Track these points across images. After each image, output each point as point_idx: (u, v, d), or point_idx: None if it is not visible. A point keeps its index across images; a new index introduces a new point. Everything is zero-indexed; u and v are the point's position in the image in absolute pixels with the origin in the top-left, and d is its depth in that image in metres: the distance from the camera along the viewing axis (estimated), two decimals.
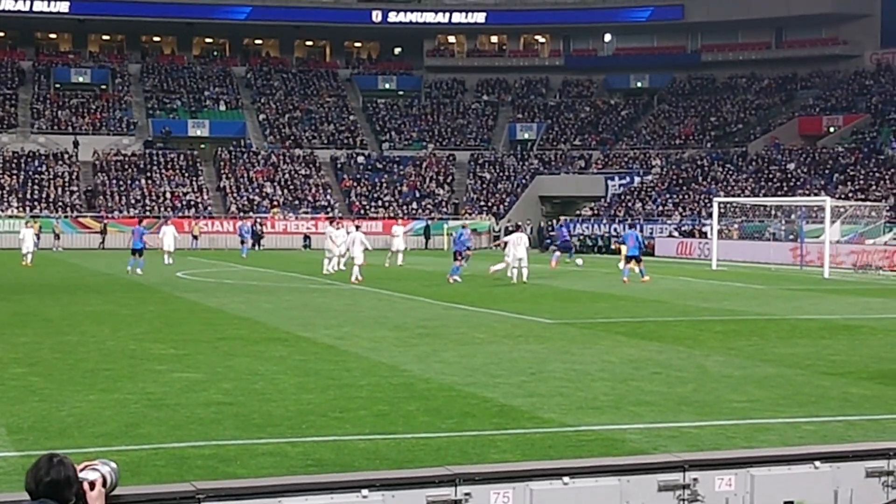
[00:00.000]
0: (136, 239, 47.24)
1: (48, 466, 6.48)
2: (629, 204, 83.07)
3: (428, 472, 8.25)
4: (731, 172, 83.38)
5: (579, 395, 17.33)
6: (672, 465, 9.01)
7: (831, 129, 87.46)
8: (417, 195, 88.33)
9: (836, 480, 9.17)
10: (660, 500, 8.79)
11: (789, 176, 79.38)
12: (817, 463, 9.26)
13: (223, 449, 13.27)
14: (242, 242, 65.49)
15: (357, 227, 47.04)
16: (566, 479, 8.63)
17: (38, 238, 69.85)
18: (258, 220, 77.88)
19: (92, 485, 6.69)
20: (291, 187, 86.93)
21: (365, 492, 8.08)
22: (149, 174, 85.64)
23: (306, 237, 78.14)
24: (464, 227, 46.03)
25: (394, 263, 53.92)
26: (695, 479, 8.87)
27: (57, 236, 73.27)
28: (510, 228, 50.80)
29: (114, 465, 7.01)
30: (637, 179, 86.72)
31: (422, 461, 12.24)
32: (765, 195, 75.00)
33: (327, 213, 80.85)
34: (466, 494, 8.16)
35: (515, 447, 13.56)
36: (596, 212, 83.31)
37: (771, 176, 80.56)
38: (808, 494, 9.15)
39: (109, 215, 77.44)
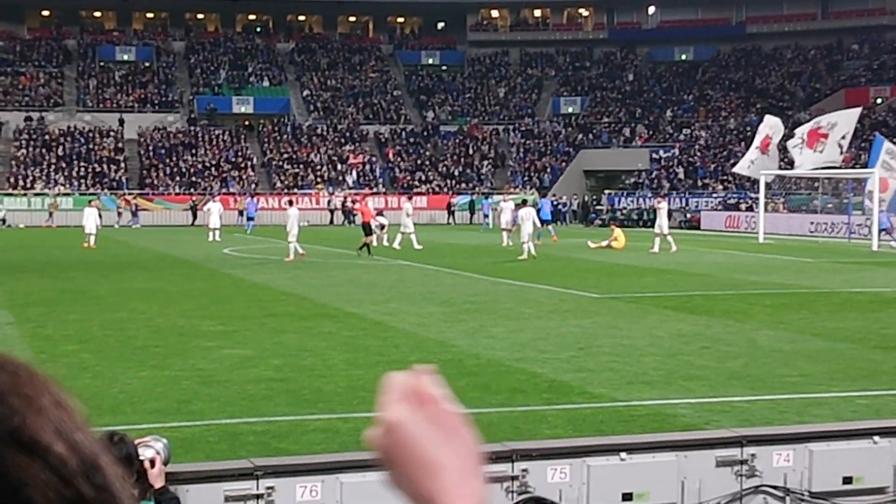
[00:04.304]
0: None
1: (108, 445, 6.48)
2: (672, 176, 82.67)
3: (484, 448, 8.24)
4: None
5: (629, 369, 17.28)
6: (729, 441, 8.98)
7: (878, 101, 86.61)
8: (461, 169, 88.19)
9: None
10: (717, 476, 8.77)
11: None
12: (876, 438, 9.19)
13: (275, 425, 13.32)
14: (250, 219, 65.28)
15: (291, 203, 46.16)
16: (623, 454, 8.62)
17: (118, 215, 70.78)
18: (349, 197, 77.15)
19: (152, 462, 6.72)
20: (335, 162, 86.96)
21: None
22: (194, 151, 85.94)
23: (349, 212, 78.16)
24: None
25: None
26: (752, 455, 8.84)
27: (134, 213, 73.65)
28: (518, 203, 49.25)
29: (165, 441, 7.05)
30: (681, 152, 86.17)
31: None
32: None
33: (371, 188, 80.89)
34: (524, 470, 8.16)
35: (567, 422, 13.53)
36: (638, 183, 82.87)
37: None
38: (867, 469, 9.08)
39: (197, 192, 77.76)
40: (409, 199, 55.45)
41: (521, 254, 41.47)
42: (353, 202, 75.85)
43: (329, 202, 78.99)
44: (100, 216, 69.55)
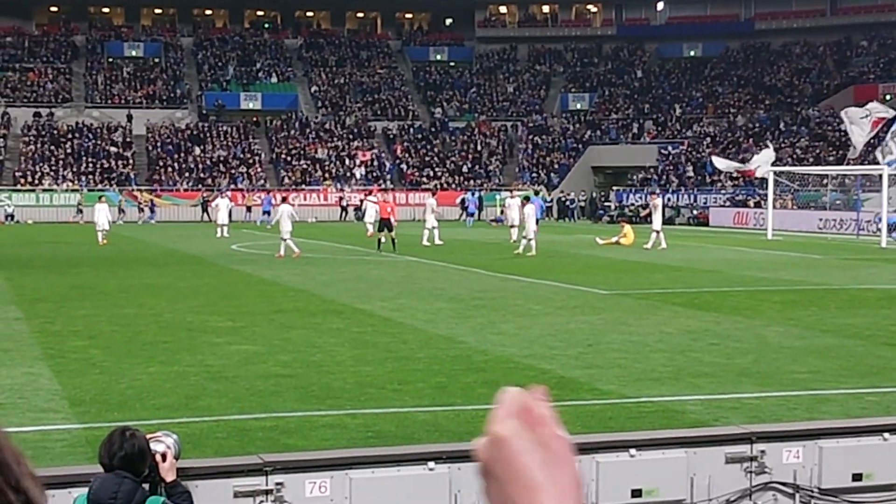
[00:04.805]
0: None
1: (121, 440, 6.50)
2: (681, 173, 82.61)
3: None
4: (784, 141, 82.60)
5: (637, 366, 17.26)
6: (739, 437, 8.96)
7: (887, 97, 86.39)
8: (469, 166, 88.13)
9: None
10: (727, 473, 8.75)
11: (845, 144, 78.47)
12: (886, 435, 9.17)
13: (283, 421, 13.32)
14: (266, 213, 66.90)
15: (284, 199, 46.44)
16: (633, 451, 8.60)
17: (123, 212, 71.13)
18: (363, 193, 77.20)
19: (164, 456, 6.73)
20: (343, 159, 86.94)
21: (431, 464, 8.09)
22: (202, 147, 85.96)
23: (358, 208, 78.11)
24: None
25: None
26: (762, 451, 8.82)
27: (149, 209, 74.05)
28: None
29: (175, 436, 7.07)
30: (690, 149, 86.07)
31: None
32: (819, 164, 74.21)
33: (379, 184, 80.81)
34: None
35: (575, 419, 13.51)
36: (645, 179, 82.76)
37: (827, 144, 79.77)
38: (877, 466, 9.06)
39: (205, 189, 77.78)
40: (433, 194, 55.12)
41: (529, 250, 41.42)
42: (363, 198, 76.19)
43: (341, 199, 78.88)
44: (121, 211, 70.51)
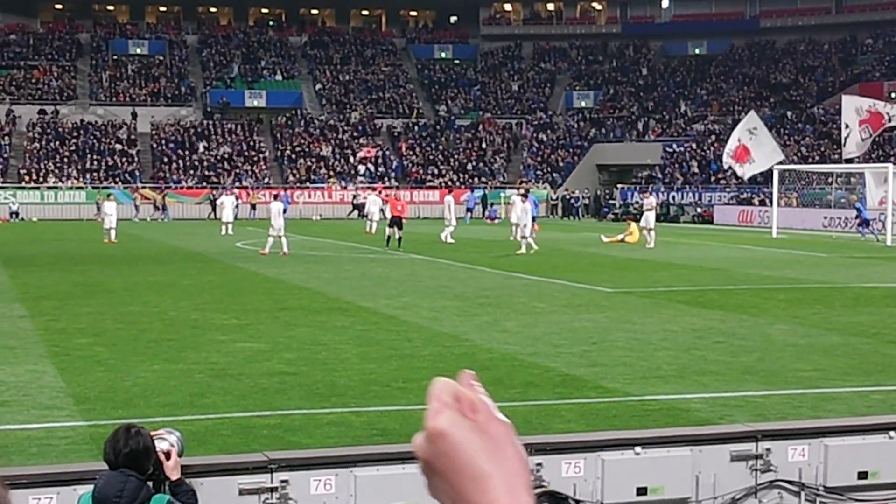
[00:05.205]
0: None
1: (126, 437, 6.50)
2: (686, 171, 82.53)
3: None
4: (789, 139, 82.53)
5: (642, 364, 17.24)
6: (744, 436, 8.94)
7: (892, 95, 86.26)
8: (474, 163, 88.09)
9: None
10: (732, 471, 8.73)
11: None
12: (892, 433, 9.15)
13: (288, 419, 13.32)
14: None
15: (275, 197, 46.84)
16: (638, 448, 8.59)
17: (138, 210, 71.26)
18: (362, 192, 77.15)
19: (168, 454, 6.72)
20: (347, 156, 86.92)
21: None
22: (206, 145, 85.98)
23: (362, 206, 78.04)
24: None
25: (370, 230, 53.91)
26: (767, 450, 8.80)
27: (161, 208, 73.88)
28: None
29: (179, 433, 7.06)
30: (695, 146, 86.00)
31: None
32: (824, 162, 74.11)
33: (384, 182, 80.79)
34: (538, 464, 8.14)
35: (580, 417, 13.52)
36: (652, 177, 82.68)
37: (832, 142, 79.66)
38: (883, 465, 9.04)
39: (213, 186, 77.68)
40: (450, 192, 55.16)
41: (531, 248, 41.30)
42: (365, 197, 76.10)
43: (354, 197, 78.40)
44: (137, 209, 70.52)
